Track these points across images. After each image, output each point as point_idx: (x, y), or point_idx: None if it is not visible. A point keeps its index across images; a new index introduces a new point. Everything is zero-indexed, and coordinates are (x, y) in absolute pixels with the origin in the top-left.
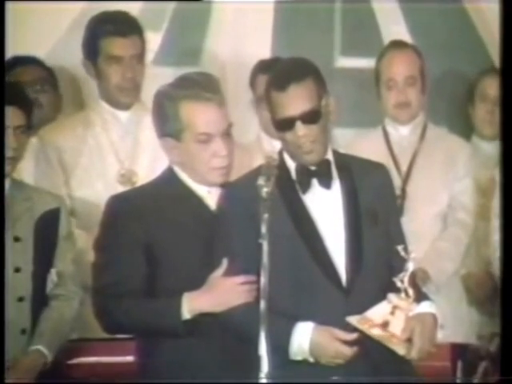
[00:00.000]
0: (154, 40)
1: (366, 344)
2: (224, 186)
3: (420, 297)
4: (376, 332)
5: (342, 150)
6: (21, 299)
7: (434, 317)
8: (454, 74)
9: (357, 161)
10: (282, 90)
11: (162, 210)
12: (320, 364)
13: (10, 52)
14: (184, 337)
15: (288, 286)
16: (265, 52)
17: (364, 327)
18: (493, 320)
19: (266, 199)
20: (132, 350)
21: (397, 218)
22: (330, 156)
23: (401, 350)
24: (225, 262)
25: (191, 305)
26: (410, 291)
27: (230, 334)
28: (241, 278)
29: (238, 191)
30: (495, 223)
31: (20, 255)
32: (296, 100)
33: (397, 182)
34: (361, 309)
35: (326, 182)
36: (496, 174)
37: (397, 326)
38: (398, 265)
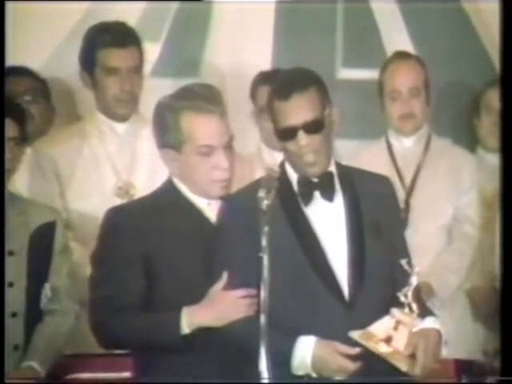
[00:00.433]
0: (152, 51)
1: (368, 359)
2: (224, 198)
3: (424, 312)
4: (379, 347)
5: (344, 162)
6: (14, 314)
7: (438, 332)
8: (459, 85)
9: (360, 173)
10: (285, 99)
11: (161, 223)
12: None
13: (10, 55)
14: (183, 352)
15: (289, 300)
16: (265, 63)
17: (366, 342)
18: (498, 336)
19: (267, 212)
20: (129, 365)
21: (400, 231)
22: (332, 168)
23: (404, 366)
24: (225, 276)
25: (190, 319)
26: (414, 306)
27: (229, 348)
28: (241, 292)
29: (238, 203)
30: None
31: (13, 269)
32: (298, 109)
33: (400, 194)
34: (363, 323)
35: (329, 195)
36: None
37: (400, 342)
38: (401, 279)
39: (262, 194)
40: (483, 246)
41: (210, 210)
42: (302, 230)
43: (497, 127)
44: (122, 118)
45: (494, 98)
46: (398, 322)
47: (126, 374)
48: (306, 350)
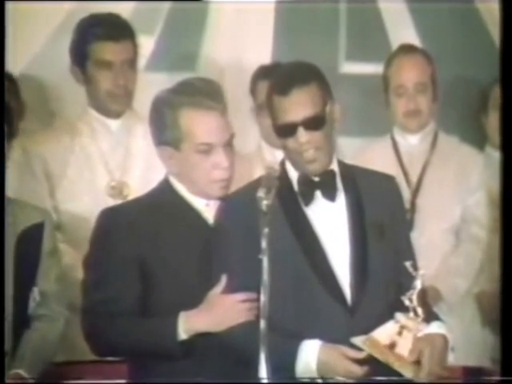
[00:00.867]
0: (146, 44)
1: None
2: (222, 198)
3: (430, 316)
4: (382, 354)
5: (347, 161)
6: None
7: (444, 338)
8: (467, 80)
9: (363, 172)
10: (284, 95)
11: (157, 224)
12: None
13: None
14: (180, 358)
15: (290, 304)
16: (265, 57)
17: (369, 348)
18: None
19: (267, 212)
20: (124, 373)
21: (405, 233)
22: (334, 166)
23: (408, 373)
24: (223, 279)
25: (188, 324)
26: (419, 310)
27: (229, 354)
28: (240, 296)
29: (236, 204)
30: None
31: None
32: (298, 105)
33: (406, 194)
34: (366, 329)
35: (330, 194)
36: None
37: (404, 348)
38: (406, 282)
39: (261, 193)
40: (492, 248)
41: (208, 210)
42: (303, 232)
43: None
44: (116, 115)
45: None
46: (403, 327)
47: (121, 382)
48: (310, 355)
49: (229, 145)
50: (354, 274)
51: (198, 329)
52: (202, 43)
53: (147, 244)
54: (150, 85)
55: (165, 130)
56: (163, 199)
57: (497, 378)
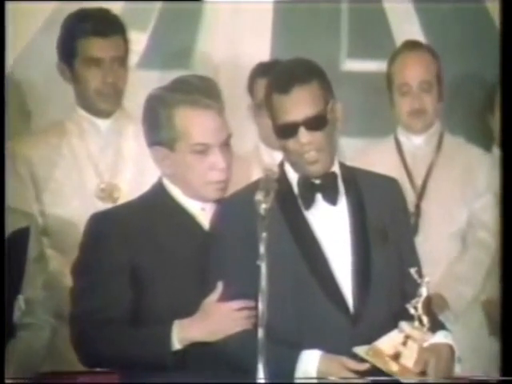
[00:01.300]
0: (138, 40)
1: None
2: (219, 202)
3: (435, 326)
4: (386, 364)
5: (349, 162)
6: None
7: (450, 348)
8: (473, 79)
9: (366, 174)
10: (285, 93)
11: (150, 230)
12: None
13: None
14: (174, 370)
15: (289, 312)
16: (264, 54)
17: (373, 359)
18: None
19: (265, 216)
20: None
21: (410, 238)
22: (336, 168)
23: None
24: (220, 286)
25: (182, 333)
26: (425, 319)
27: (225, 365)
28: (237, 304)
29: (233, 208)
30: None
31: None
32: (299, 104)
33: (410, 197)
34: (369, 338)
35: (332, 197)
36: None
37: (409, 358)
38: (410, 290)
39: (259, 196)
40: (500, 254)
41: (204, 215)
42: (303, 236)
43: None
44: (105, 114)
45: None
46: (407, 337)
47: (129, 382)
48: (310, 365)
49: (226, 145)
50: (356, 281)
51: (192, 338)
52: (197, 39)
53: (139, 250)
54: (143, 83)
55: (159, 129)
56: (156, 203)
57: (497, 377)
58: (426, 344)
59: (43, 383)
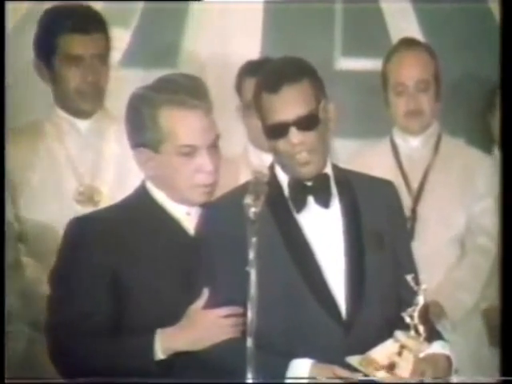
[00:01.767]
0: (121, 37)
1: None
2: (205, 205)
3: (432, 335)
4: (380, 375)
5: (343, 165)
6: None
7: (447, 359)
8: (472, 78)
9: (359, 176)
10: (274, 92)
11: (133, 235)
12: None
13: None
14: (157, 381)
15: (279, 320)
16: (253, 52)
17: (366, 369)
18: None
19: (255, 220)
20: None
21: (406, 243)
22: (328, 170)
23: None
24: (206, 293)
25: (166, 343)
26: (421, 328)
27: (211, 375)
28: (224, 311)
29: (220, 212)
30: None
31: None
32: (290, 103)
33: (406, 201)
34: (363, 347)
35: (324, 200)
36: None
37: (405, 369)
38: (406, 297)
39: (248, 200)
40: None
41: (189, 220)
42: (294, 241)
43: None
44: (85, 115)
45: None
46: (403, 347)
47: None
48: (300, 375)
49: (213, 147)
50: (349, 288)
51: (176, 347)
52: (184, 36)
53: (121, 256)
54: (126, 82)
55: (143, 130)
56: (139, 207)
57: (497, 377)
58: (422, 354)
59: (44, 383)
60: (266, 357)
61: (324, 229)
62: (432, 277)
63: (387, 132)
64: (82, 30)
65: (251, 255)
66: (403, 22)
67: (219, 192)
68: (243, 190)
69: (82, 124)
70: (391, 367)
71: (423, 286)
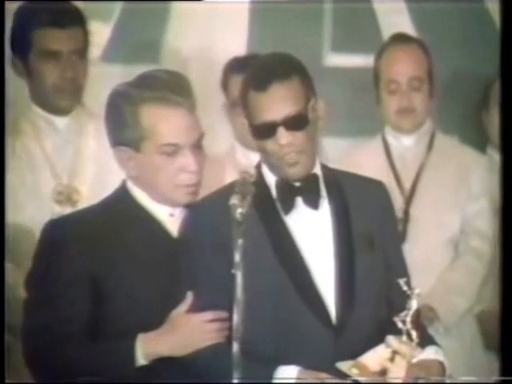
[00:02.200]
0: (101, 32)
1: None
2: (189, 206)
3: (425, 340)
4: (372, 381)
5: (333, 164)
6: None
7: (441, 365)
8: (467, 75)
9: (350, 177)
10: (262, 90)
11: (113, 237)
12: None
13: None
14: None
15: (267, 325)
16: (239, 47)
17: (357, 375)
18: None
19: (241, 222)
20: None
21: (397, 246)
22: (317, 170)
23: None
24: (189, 297)
25: (147, 348)
26: (414, 334)
27: (195, 382)
28: (209, 315)
29: (205, 213)
30: None
31: None
32: (278, 102)
33: (398, 202)
34: (354, 353)
35: (313, 201)
36: None
37: (397, 375)
38: (398, 301)
39: (235, 200)
40: (496, 263)
41: (172, 221)
42: (282, 243)
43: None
44: (63, 111)
45: None
46: (395, 353)
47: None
48: (287, 382)
49: (197, 146)
50: (339, 291)
51: (159, 353)
52: (166, 30)
53: (100, 259)
54: (106, 78)
55: (123, 128)
56: (120, 207)
57: (497, 377)
58: (414, 360)
59: (44, 383)
60: (252, 363)
61: (313, 231)
62: (425, 280)
63: (379, 130)
64: (58, 24)
65: (237, 257)
66: (395, 17)
67: (204, 192)
68: (229, 190)
69: (60, 121)
70: (383, 373)
71: (416, 291)
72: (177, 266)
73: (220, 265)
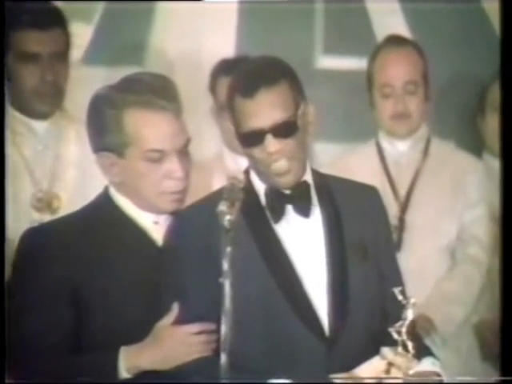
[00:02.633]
0: (83, 33)
1: None
2: (174, 214)
3: (421, 351)
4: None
5: (325, 170)
6: None
7: (438, 376)
8: (464, 78)
9: (342, 182)
10: (249, 97)
11: (95, 246)
12: None
13: None
14: None
15: (256, 336)
16: (227, 49)
17: None
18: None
19: (229, 229)
20: None
21: (392, 254)
22: (308, 177)
23: None
24: (175, 308)
25: (131, 362)
26: (410, 345)
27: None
28: (195, 327)
29: (192, 220)
30: None
31: None
32: (266, 109)
33: (393, 209)
34: (348, 365)
35: (304, 209)
36: None
37: None
38: (393, 311)
39: (223, 207)
40: (494, 272)
41: (157, 230)
42: (272, 252)
43: None
44: (43, 116)
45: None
46: (390, 364)
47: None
48: None
49: (184, 151)
50: (332, 302)
51: (143, 366)
52: (151, 31)
53: (81, 269)
54: (87, 81)
55: (106, 133)
56: (102, 215)
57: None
58: (411, 372)
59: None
60: (242, 377)
61: (304, 239)
62: (421, 289)
63: (372, 135)
64: (38, 25)
65: (225, 266)
66: (389, 19)
67: (191, 199)
68: (217, 196)
69: (39, 125)
70: None
71: (412, 300)
72: (162, 275)
73: (207, 274)
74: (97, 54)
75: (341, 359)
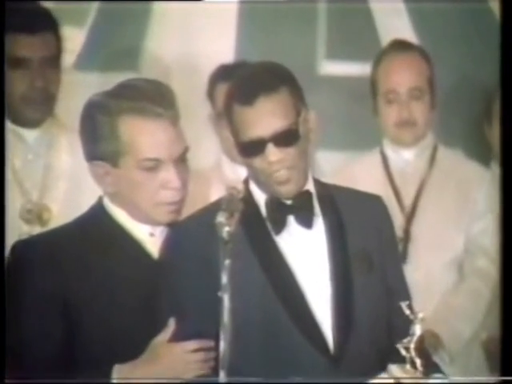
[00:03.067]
0: (75, 38)
1: None
2: (171, 226)
3: (429, 368)
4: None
5: (328, 179)
6: None
7: None
8: (470, 84)
9: (345, 192)
10: (249, 105)
11: (88, 259)
12: None
13: None
14: None
15: (257, 353)
16: (227, 54)
17: None
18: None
19: (228, 241)
20: None
21: (398, 266)
22: (310, 186)
23: None
24: (172, 324)
25: (125, 380)
26: (418, 362)
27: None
28: (193, 344)
29: (189, 232)
30: None
31: None
32: (266, 117)
33: (399, 219)
34: (353, 382)
35: (306, 220)
36: None
37: None
38: (401, 326)
39: (221, 218)
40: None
41: (153, 242)
42: (273, 265)
43: None
44: (33, 124)
45: None
46: (398, 382)
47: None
48: None
49: (181, 160)
50: (336, 316)
51: None
52: (146, 35)
53: (73, 283)
54: (80, 87)
55: (100, 141)
56: (96, 227)
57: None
58: None
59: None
60: None
61: (306, 251)
62: (427, 303)
63: (377, 143)
64: (28, 29)
65: (224, 279)
66: (394, 22)
67: (188, 210)
68: (215, 207)
69: (29, 134)
70: None
71: (420, 315)
72: (158, 289)
73: (205, 288)
74: (90, 58)
75: (346, 377)
